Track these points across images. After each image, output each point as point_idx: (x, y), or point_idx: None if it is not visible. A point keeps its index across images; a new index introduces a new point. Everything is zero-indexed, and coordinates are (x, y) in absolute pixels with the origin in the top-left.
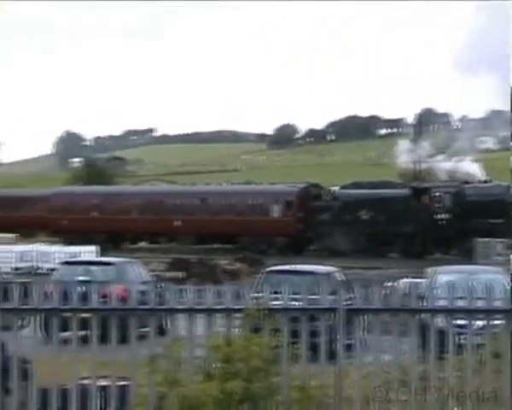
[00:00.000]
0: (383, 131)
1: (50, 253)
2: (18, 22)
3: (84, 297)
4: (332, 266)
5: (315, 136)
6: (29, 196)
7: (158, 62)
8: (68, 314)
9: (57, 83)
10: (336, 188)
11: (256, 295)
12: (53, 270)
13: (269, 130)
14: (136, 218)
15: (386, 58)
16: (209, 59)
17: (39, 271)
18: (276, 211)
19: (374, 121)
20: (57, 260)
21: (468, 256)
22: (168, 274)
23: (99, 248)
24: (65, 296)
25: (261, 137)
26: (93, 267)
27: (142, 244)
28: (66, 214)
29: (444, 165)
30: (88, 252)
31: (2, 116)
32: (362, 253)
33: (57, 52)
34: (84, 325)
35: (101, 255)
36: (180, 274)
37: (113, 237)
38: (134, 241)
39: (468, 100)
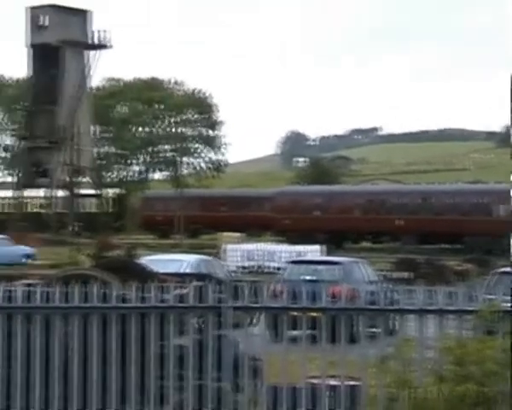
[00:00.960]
0: None
1: (276, 252)
2: None
3: (313, 296)
4: None
5: None
6: (254, 196)
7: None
8: (297, 313)
9: (281, 82)
10: None
11: (488, 296)
12: (279, 269)
13: (497, 127)
14: (359, 217)
15: None
16: None
17: (265, 270)
18: (501, 211)
19: None
20: (283, 260)
21: None
22: (395, 274)
23: (323, 247)
24: (293, 295)
25: (490, 135)
26: (320, 267)
27: (364, 244)
28: (290, 214)
29: None
30: (313, 251)
31: (230, 116)
32: None
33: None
34: (313, 324)
35: (326, 255)
36: (407, 274)
37: (335, 237)
38: (356, 240)
39: None
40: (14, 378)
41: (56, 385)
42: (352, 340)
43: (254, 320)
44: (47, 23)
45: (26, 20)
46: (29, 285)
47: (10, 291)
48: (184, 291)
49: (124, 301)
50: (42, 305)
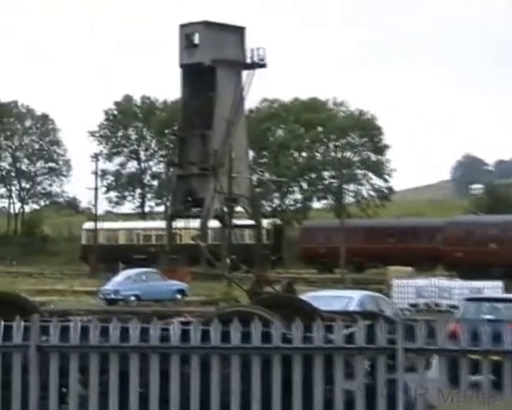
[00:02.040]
0: None
1: (449, 288)
2: None
3: (494, 338)
4: None
5: None
6: (423, 226)
7: None
8: (477, 356)
9: (452, 102)
10: None
11: None
12: (453, 307)
13: None
14: None
15: None
16: None
17: (437, 307)
18: None
19: None
20: (456, 296)
21: None
22: None
23: (504, 283)
24: (473, 336)
25: None
26: (500, 305)
27: None
28: (462, 246)
29: None
30: (492, 288)
31: (396, 139)
32: None
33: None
34: (496, 368)
35: (505, 291)
36: None
37: None
38: None
39: None
40: None
41: None
42: None
43: (430, 363)
44: (199, 41)
45: (180, 39)
46: (185, 324)
47: (165, 330)
48: (352, 331)
49: (286, 341)
50: (199, 345)
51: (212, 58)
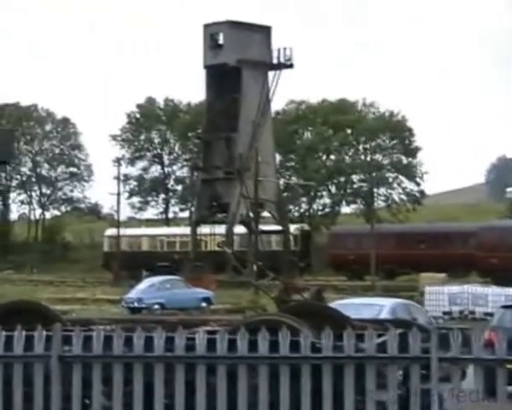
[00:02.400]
0: None
1: (484, 295)
2: None
3: None
4: None
5: None
6: (456, 231)
7: None
8: None
9: (486, 101)
10: None
11: None
12: (488, 314)
13: None
14: None
15: None
16: None
17: (471, 315)
18: None
19: None
20: (492, 304)
21: None
22: None
23: None
24: (509, 345)
25: None
26: None
27: None
28: (497, 252)
29: None
30: None
31: (428, 141)
32: None
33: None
34: None
35: None
36: None
37: None
38: None
39: None
40: None
41: None
42: None
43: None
44: (224, 41)
45: (204, 39)
46: (211, 333)
47: (191, 339)
48: (384, 340)
49: (315, 350)
50: (226, 355)
51: (238, 58)
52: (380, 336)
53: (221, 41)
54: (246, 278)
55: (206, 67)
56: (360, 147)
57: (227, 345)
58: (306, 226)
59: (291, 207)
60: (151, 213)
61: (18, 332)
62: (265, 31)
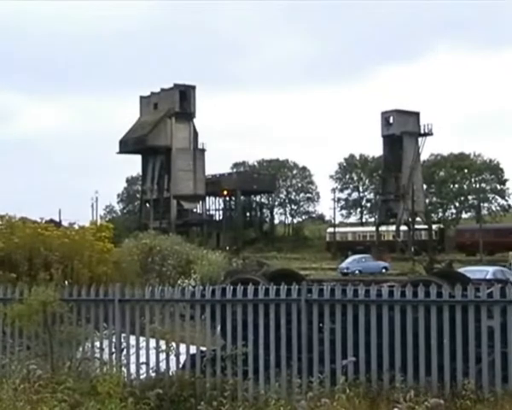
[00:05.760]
0: None
1: None
2: None
3: None
4: None
5: None
6: None
7: None
8: None
9: None
10: None
11: None
12: None
13: None
14: None
15: None
16: None
17: None
18: None
19: None
20: None
21: None
22: None
23: None
24: None
25: None
26: None
27: None
28: None
29: None
30: None
31: None
32: None
33: None
34: None
35: None
36: None
37: None
38: None
39: None
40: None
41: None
42: None
43: None
44: (392, 121)
45: (381, 120)
46: (391, 286)
47: (379, 290)
48: (491, 290)
49: (451, 296)
50: (399, 299)
51: (401, 131)
52: (488, 288)
53: (391, 121)
54: (407, 255)
55: (382, 136)
56: (472, 179)
57: (400, 293)
58: (442, 226)
59: (432, 214)
60: (353, 219)
61: (282, 286)
62: (416, 114)
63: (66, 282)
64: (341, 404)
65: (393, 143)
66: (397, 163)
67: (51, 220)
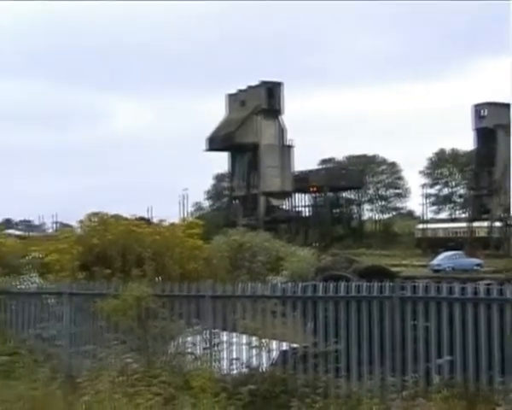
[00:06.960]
0: None
1: None
2: None
3: None
4: None
5: None
6: None
7: None
8: None
9: None
10: None
11: None
12: None
13: None
14: None
15: None
16: None
17: None
18: None
19: None
20: None
21: None
22: None
23: None
24: None
25: None
26: None
27: None
28: None
29: None
30: None
31: None
32: None
33: None
34: None
35: None
36: None
37: None
38: None
39: None
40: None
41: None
42: None
43: None
44: (485, 114)
45: (472, 112)
46: (488, 285)
47: (475, 288)
48: None
49: None
50: (497, 297)
51: (494, 123)
52: None
53: (484, 113)
54: (502, 252)
55: (475, 129)
56: None
57: (498, 292)
58: None
59: None
60: (444, 215)
61: (374, 283)
62: (509, 106)
63: (158, 278)
64: (437, 404)
65: (486, 136)
66: (490, 157)
67: (141, 218)
